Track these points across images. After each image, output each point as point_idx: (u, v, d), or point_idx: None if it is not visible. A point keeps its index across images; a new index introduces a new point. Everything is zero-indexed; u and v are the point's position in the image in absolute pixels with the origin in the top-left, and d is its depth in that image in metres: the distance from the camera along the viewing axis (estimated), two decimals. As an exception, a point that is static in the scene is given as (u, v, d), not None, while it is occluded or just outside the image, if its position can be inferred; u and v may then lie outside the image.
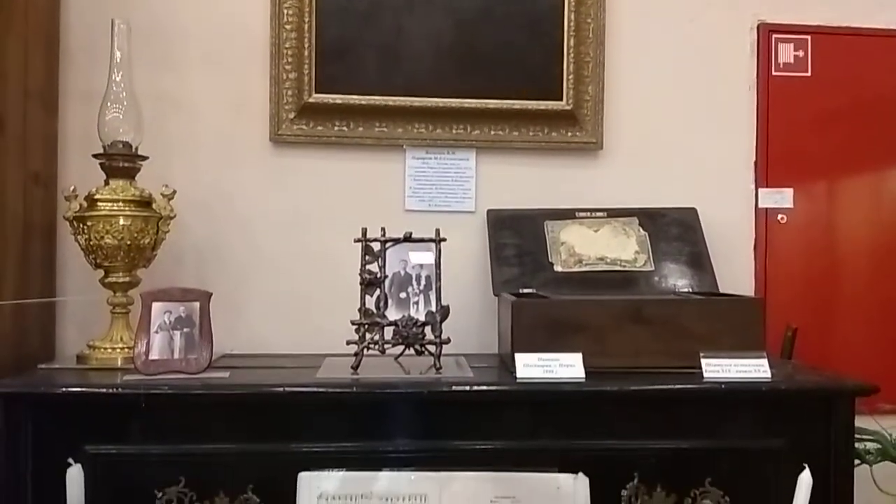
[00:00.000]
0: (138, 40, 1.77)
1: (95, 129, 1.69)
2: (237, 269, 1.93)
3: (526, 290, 1.77)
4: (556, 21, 1.97)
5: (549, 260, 1.85)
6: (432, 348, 1.58)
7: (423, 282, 1.61)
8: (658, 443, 1.49)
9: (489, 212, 1.94)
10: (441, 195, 1.99)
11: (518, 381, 1.50)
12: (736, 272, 2.00)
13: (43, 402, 1.45)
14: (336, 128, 1.94)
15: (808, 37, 2.07)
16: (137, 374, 1.52)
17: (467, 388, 1.49)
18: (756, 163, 2.06)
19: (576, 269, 1.84)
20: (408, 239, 1.62)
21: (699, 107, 2.05)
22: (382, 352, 1.58)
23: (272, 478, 1.43)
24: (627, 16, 2.02)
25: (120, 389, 1.45)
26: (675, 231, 1.91)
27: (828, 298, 2.07)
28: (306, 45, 1.91)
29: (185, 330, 1.57)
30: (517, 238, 1.88)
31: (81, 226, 1.66)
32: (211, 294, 1.61)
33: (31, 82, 1.74)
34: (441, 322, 1.58)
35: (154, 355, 1.54)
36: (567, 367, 1.52)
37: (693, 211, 1.94)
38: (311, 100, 1.92)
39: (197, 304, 1.58)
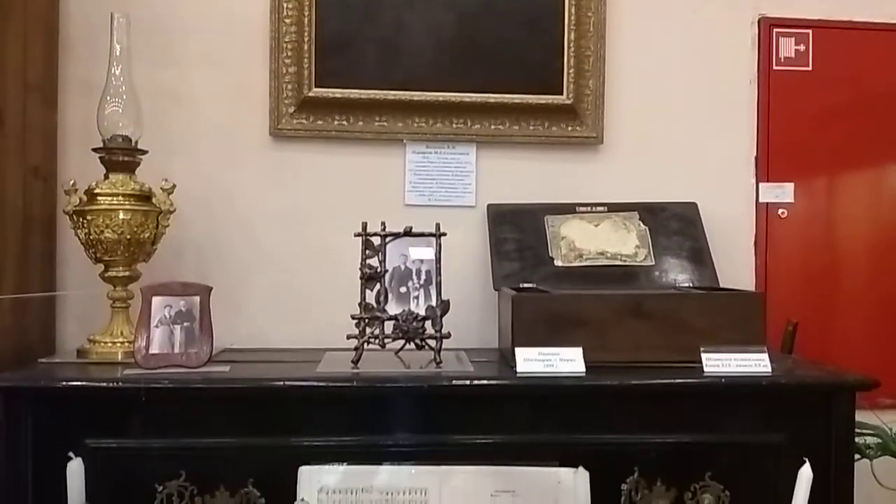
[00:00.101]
0: (138, 34, 1.76)
1: (95, 122, 1.69)
2: (237, 264, 1.93)
3: (526, 285, 1.77)
4: (557, 15, 1.96)
5: (550, 254, 1.85)
6: (432, 343, 1.58)
7: (423, 276, 1.61)
8: (658, 437, 1.49)
9: (489, 206, 1.94)
10: (441, 190, 1.98)
11: (518, 375, 1.50)
12: (736, 267, 2.00)
13: (43, 396, 1.45)
14: (336, 122, 1.94)
15: (810, 31, 2.07)
16: (138, 369, 1.52)
17: (467, 382, 1.49)
18: (757, 157, 2.06)
19: (576, 263, 1.84)
20: (408, 233, 1.62)
21: (700, 101, 2.04)
22: (383, 346, 1.58)
23: (273, 472, 1.43)
24: (628, 10, 2.02)
25: (120, 383, 1.45)
26: (675, 226, 1.91)
27: (828, 293, 2.07)
28: (306, 39, 1.91)
29: (185, 324, 1.57)
30: (517, 233, 1.88)
31: (81, 220, 1.66)
32: (211, 288, 1.61)
33: (31, 76, 1.74)
34: (441, 316, 1.59)
35: (154, 349, 1.54)
36: (567, 361, 1.52)
37: (693, 205, 1.94)
38: (310, 94, 1.91)
39: (197, 299, 1.58)
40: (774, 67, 2.06)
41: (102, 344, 1.65)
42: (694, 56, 2.04)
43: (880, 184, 2.10)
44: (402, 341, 1.59)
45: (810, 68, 2.07)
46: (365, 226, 1.61)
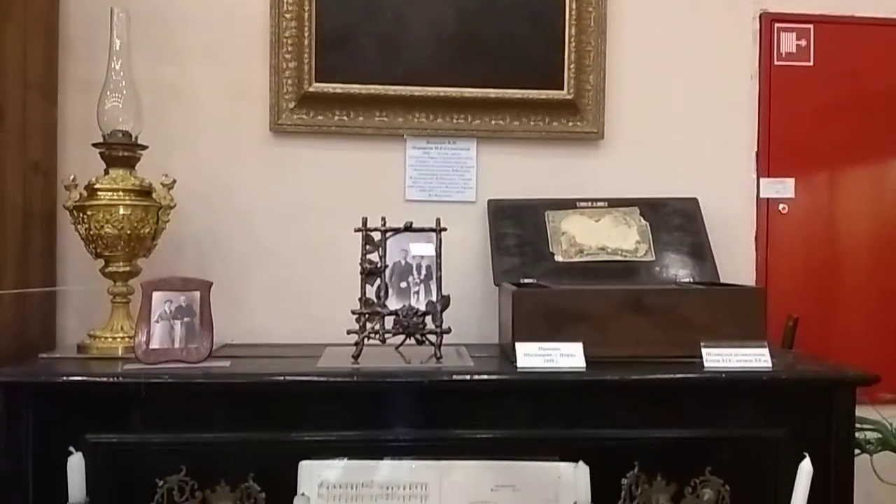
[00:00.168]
0: (137, 29, 1.76)
1: (95, 118, 1.69)
2: (237, 259, 1.93)
3: (527, 280, 1.77)
4: (558, 10, 1.96)
5: (550, 250, 1.85)
6: (433, 338, 1.58)
7: (423, 271, 1.61)
8: (659, 432, 1.50)
9: (490, 201, 1.94)
10: (442, 185, 1.98)
11: (519, 370, 1.50)
12: (737, 262, 2.00)
13: (44, 391, 1.46)
14: (336, 117, 1.94)
15: (811, 26, 2.06)
16: (138, 364, 1.52)
17: (468, 377, 1.49)
18: (757, 153, 2.06)
19: (577, 258, 1.84)
20: (408, 228, 1.61)
21: (701, 96, 2.04)
22: (383, 341, 1.58)
23: (273, 467, 1.43)
24: (629, 5, 2.02)
25: (120, 378, 1.45)
26: (676, 221, 1.91)
27: (829, 288, 2.07)
28: (306, 34, 1.90)
29: (185, 319, 1.57)
30: (518, 228, 1.88)
31: (81, 215, 1.66)
32: (211, 284, 1.61)
33: (31, 72, 1.74)
34: (442, 312, 1.58)
35: (154, 345, 1.54)
36: (568, 356, 1.52)
37: (694, 201, 1.94)
38: (311, 89, 1.91)
39: (197, 294, 1.58)
40: (775, 62, 2.06)
41: (103, 339, 1.66)
42: (695, 51, 2.04)
43: (881, 179, 2.10)
44: (403, 336, 1.59)
45: (811, 63, 2.06)
46: (365, 221, 1.61)
